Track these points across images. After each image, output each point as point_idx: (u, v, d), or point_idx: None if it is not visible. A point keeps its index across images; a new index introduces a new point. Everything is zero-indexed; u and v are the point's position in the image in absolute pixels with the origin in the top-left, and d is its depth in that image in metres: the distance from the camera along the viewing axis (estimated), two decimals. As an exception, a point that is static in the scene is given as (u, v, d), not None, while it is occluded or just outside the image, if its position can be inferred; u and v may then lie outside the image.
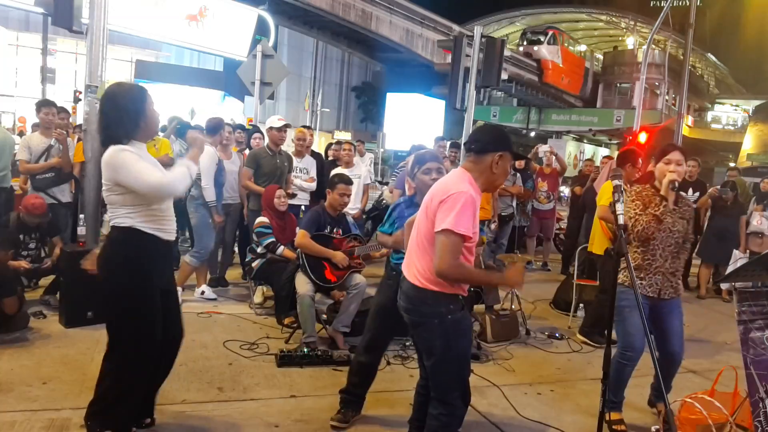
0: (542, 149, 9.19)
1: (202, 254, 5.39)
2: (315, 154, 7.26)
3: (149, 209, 2.69)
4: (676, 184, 3.33)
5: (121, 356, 2.78)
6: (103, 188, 2.72)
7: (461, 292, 2.54)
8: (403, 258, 3.28)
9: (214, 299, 5.47)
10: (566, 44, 37.02)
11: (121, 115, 2.66)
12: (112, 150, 2.64)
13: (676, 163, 3.36)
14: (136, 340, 2.74)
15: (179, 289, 5.28)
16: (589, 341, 5.08)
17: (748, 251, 7.15)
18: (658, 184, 3.43)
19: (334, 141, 9.17)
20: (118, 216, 2.69)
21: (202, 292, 5.49)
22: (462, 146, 7.03)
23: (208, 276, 5.79)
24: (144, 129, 2.73)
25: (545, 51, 34.79)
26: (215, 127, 5.46)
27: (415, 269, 2.53)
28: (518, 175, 7.86)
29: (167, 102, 15.93)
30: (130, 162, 2.61)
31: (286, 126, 5.91)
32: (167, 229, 2.78)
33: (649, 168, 3.58)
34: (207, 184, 5.24)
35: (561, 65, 35.46)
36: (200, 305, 5.28)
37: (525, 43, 36.20)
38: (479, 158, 2.53)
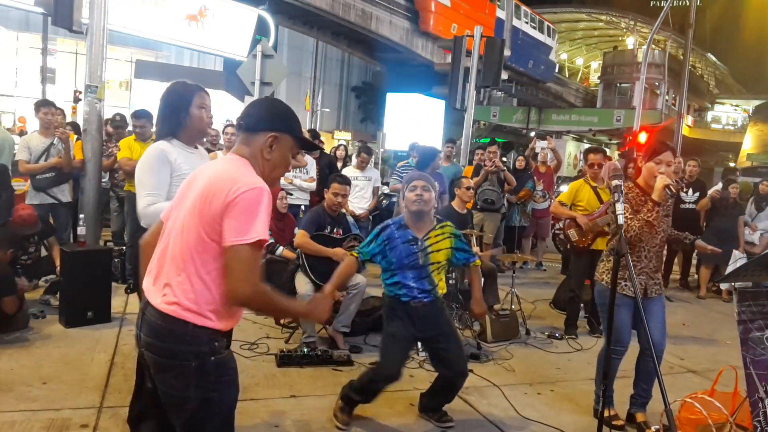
0: (539, 144, 9.15)
1: None
2: (324, 155, 7.30)
3: None
4: (673, 190, 3.18)
5: None
6: None
7: (230, 326, 1.93)
8: (399, 284, 3.25)
9: None
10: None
11: (167, 111, 2.66)
12: (153, 147, 2.66)
13: (666, 164, 3.27)
14: None
15: None
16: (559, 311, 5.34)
17: (746, 252, 7.17)
18: (643, 182, 3.36)
19: (336, 141, 9.16)
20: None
21: None
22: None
23: None
24: (188, 128, 2.69)
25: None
26: None
27: (169, 290, 1.83)
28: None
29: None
30: (148, 165, 2.62)
31: None
32: None
33: (639, 164, 3.50)
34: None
35: (449, 6, 27.15)
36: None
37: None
38: (249, 138, 1.93)
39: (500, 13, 29.65)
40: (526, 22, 32.82)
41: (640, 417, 3.51)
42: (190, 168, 2.64)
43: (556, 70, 40.43)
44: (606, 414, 3.40)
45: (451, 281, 4.61)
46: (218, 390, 1.86)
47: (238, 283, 1.74)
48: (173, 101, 2.67)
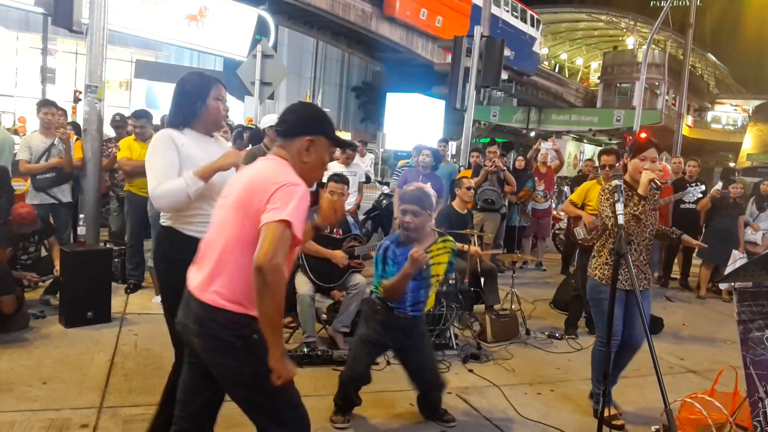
0: (545, 146, 9.18)
1: None
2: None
3: (188, 208, 2.58)
4: (658, 183, 3.30)
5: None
6: None
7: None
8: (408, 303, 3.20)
9: None
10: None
11: (182, 99, 2.63)
12: (159, 133, 2.62)
13: (651, 161, 3.38)
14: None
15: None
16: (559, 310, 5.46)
17: (746, 252, 7.17)
18: (629, 178, 3.43)
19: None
20: (161, 213, 2.67)
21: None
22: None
23: None
24: (203, 118, 2.65)
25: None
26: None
27: (211, 281, 1.99)
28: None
29: (167, 102, 15.95)
30: (156, 150, 2.56)
31: None
32: (194, 228, 2.65)
33: (625, 161, 3.55)
34: None
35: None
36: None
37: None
38: (287, 143, 2.06)
39: (477, 0, 27.97)
40: (507, 11, 31.17)
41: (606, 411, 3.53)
42: (207, 156, 2.63)
43: (540, 63, 38.36)
44: (606, 414, 3.42)
45: (451, 281, 4.61)
46: (265, 361, 1.92)
47: (265, 250, 1.81)
48: (190, 91, 2.63)
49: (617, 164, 5.54)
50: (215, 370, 2.03)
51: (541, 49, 36.40)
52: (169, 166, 2.56)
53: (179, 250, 2.56)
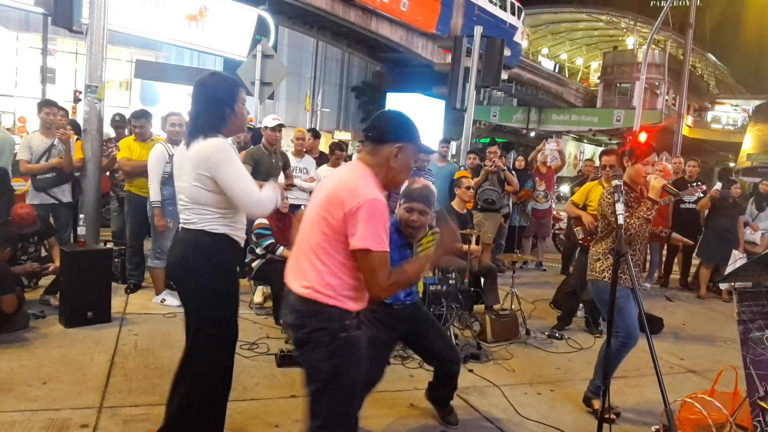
0: (549, 147, 9.19)
1: (161, 254, 5.17)
2: (324, 155, 7.31)
3: (236, 215, 2.60)
4: (674, 190, 3.47)
5: (202, 366, 2.65)
6: (189, 183, 2.53)
7: (359, 308, 2.17)
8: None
9: (179, 305, 5.30)
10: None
11: (211, 105, 2.54)
12: (216, 141, 2.49)
13: (651, 165, 3.46)
14: (218, 346, 2.66)
15: (163, 296, 5.27)
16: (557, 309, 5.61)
17: (745, 252, 7.17)
18: (629, 180, 3.49)
19: (334, 140, 9.20)
20: (209, 220, 2.53)
21: (163, 300, 5.25)
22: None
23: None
24: (231, 124, 2.60)
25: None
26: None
27: (304, 276, 2.12)
28: None
29: (167, 102, 15.94)
30: (234, 158, 2.50)
31: (280, 126, 5.88)
32: (242, 235, 2.69)
33: (625, 164, 3.58)
34: (150, 183, 4.94)
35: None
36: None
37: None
38: (376, 149, 2.17)
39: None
40: None
41: (596, 404, 3.56)
42: None
43: (522, 54, 36.19)
44: (597, 406, 3.43)
45: (451, 281, 4.61)
46: (345, 364, 2.10)
47: (373, 289, 2.05)
48: (219, 96, 2.55)
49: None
50: (302, 361, 2.18)
51: (523, 39, 34.54)
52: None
53: (233, 256, 2.62)
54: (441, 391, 3.40)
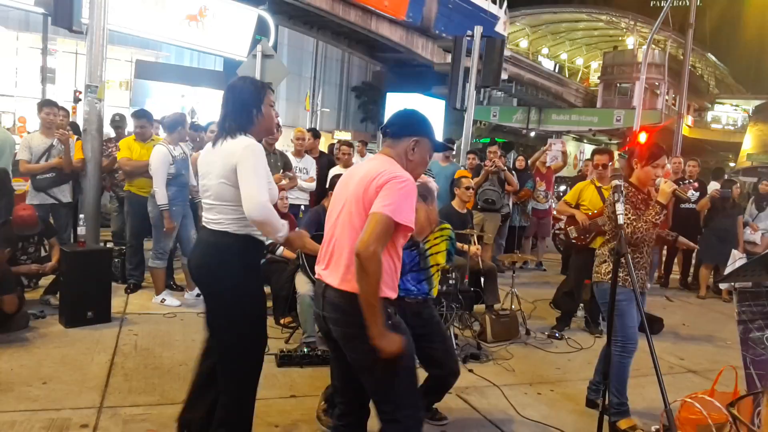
0: (556, 148, 9.21)
1: (162, 255, 5.21)
2: (324, 155, 7.31)
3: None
4: (684, 196, 3.46)
5: (235, 372, 2.64)
6: (216, 181, 2.56)
7: (390, 295, 2.22)
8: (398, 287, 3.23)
9: (179, 305, 5.24)
10: None
11: (238, 107, 2.60)
12: (248, 140, 2.53)
13: (661, 167, 3.40)
14: (252, 349, 2.64)
15: (163, 296, 5.27)
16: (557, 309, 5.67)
17: (745, 252, 7.17)
18: (637, 181, 3.43)
19: (335, 141, 9.20)
20: (232, 220, 2.55)
21: (163, 300, 5.25)
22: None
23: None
24: (258, 126, 2.62)
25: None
26: (173, 124, 5.17)
27: (344, 271, 2.18)
28: None
29: (167, 102, 15.94)
30: (263, 162, 2.52)
31: (278, 126, 5.89)
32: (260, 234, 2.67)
33: (634, 165, 3.54)
34: (157, 187, 4.96)
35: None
36: (200, 305, 5.27)
37: None
38: (394, 143, 2.32)
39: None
40: None
41: (623, 425, 3.45)
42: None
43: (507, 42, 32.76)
44: (626, 425, 3.40)
45: (451, 281, 4.61)
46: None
47: (365, 238, 2.04)
48: (246, 98, 2.60)
49: (610, 164, 5.57)
50: (350, 355, 2.24)
51: (505, 30, 32.28)
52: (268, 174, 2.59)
53: (257, 255, 2.63)
54: (429, 397, 3.38)
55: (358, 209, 2.17)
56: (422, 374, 3.76)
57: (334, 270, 2.22)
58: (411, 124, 2.35)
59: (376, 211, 2.08)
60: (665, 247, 7.83)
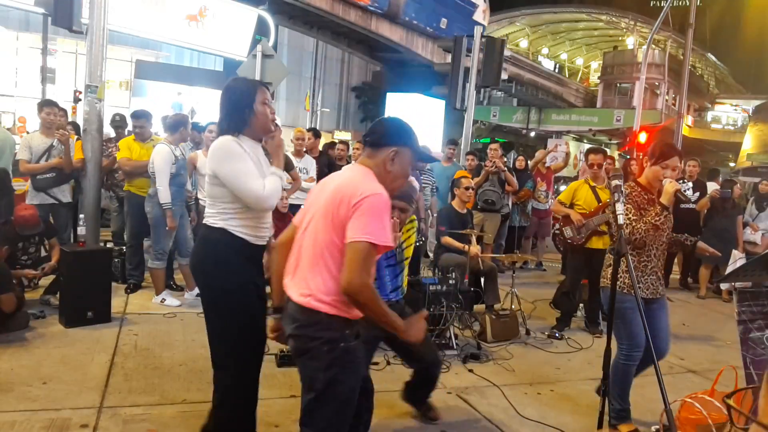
0: (561, 149, 9.21)
1: (161, 255, 5.21)
2: (324, 154, 7.32)
3: (249, 212, 2.60)
4: (686, 197, 3.33)
5: (229, 374, 2.67)
6: (208, 180, 2.64)
7: (356, 316, 2.10)
8: (376, 284, 3.21)
9: (179, 305, 5.24)
10: None
11: (230, 108, 2.63)
12: (222, 139, 2.59)
13: (672, 169, 3.28)
14: (239, 345, 2.62)
15: (162, 296, 5.27)
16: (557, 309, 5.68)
17: (745, 252, 7.17)
18: (645, 182, 3.34)
19: (336, 141, 9.20)
20: (228, 217, 2.58)
21: (162, 300, 5.25)
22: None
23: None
24: (252, 125, 2.64)
25: None
26: (176, 125, 5.20)
27: (304, 284, 2.09)
28: None
29: (167, 102, 15.93)
30: (236, 156, 2.54)
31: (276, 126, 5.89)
32: (260, 235, 2.67)
33: (644, 164, 3.51)
34: (161, 185, 4.98)
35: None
36: (200, 305, 5.27)
37: None
38: (373, 153, 2.18)
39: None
40: None
41: (623, 429, 3.40)
42: (265, 162, 2.68)
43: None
44: (626, 430, 3.37)
45: (451, 281, 4.61)
46: (342, 374, 2.07)
47: (349, 275, 1.94)
48: (236, 99, 2.62)
49: (605, 163, 5.56)
50: (301, 371, 2.15)
51: (485, 19, 30.12)
52: (255, 167, 2.60)
53: (234, 251, 2.59)
54: (420, 391, 3.40)
55: (326, 224, 2.06)
56: (406, 372, 3.77)
57: (297, 282, 2.12)
58: (390, 134, 2.20)
59: (356, 239, 1.95)
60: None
